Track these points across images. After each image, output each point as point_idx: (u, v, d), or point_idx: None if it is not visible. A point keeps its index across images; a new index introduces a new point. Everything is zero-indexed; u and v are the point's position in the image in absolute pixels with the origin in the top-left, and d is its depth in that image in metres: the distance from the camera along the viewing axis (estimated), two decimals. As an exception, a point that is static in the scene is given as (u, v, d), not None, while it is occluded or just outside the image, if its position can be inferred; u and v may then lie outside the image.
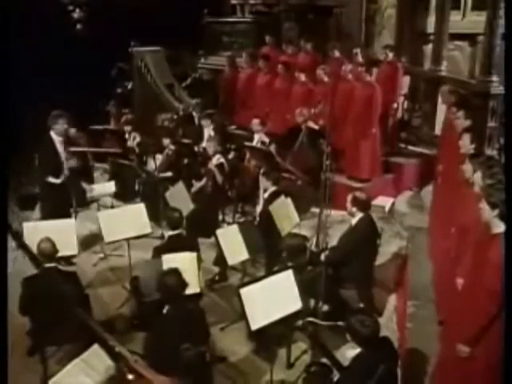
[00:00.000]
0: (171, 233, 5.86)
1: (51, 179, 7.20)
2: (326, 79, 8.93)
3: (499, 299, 3.82)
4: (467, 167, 5.18)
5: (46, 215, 7.68)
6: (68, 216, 7.42)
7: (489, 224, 4.01)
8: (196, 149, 9.18)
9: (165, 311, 4.62)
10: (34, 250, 5.26)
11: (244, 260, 6.17)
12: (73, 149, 8.56)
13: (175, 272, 4.65)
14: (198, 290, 5.31)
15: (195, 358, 4.27)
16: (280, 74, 9.77)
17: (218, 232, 6.10)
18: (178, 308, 4.57)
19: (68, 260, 6.81)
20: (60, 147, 7.28)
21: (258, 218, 7.24)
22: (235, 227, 6.19)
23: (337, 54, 9.82)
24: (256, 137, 8.74)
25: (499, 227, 3.92)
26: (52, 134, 7.21)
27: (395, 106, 9.34)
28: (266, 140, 8.65)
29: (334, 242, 6.29)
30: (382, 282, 6.55)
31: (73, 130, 9.38)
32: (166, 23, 12.43)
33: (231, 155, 8.85)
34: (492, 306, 3.85)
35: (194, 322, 4.59)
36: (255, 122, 8.74)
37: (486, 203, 4.00)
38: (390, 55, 9.43)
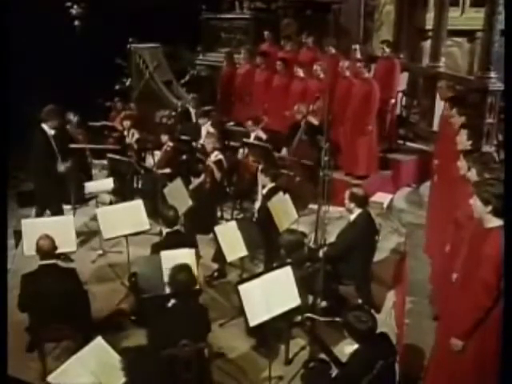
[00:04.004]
0: (169, 229, 5.87)
1: (51, 170, 7.26)
2: (321, 75, 8.93)
3: (493, 293, 3.83)
4: (461, 163, 5.19)
5: (41, 211, 7.73)
6: (62, 212, 7.45)
7: (481, 220, 4.02)
8: (194, 145, 9.19)
9: (170, 305, 4.64)
10: (33, 246, 5.27)
11: (242, 256, 6.17)
12: (72, 145, 8.60)
13: (186, 267, 4.69)
14: (196, 287, 5.31)
15: (193, 353, 4.29)
16: (278, 70, 9.76)
17: (217, 228, 6.10)
18: (184, 302, 4.59)
19: (67, 256, 6.81)
20: (52, 140, 7.31)
21: (256, 215, 7.24)
22: (234, 224, 6.19)
23: (332, 50, 9.80)
24: (252, 134, 8.75)
25: (493, 222, 3.92)
26: (44, 126, 7.24)
27: (393, 101, 9.32)
28: (263, 136, 8.65)
29: (332, 238, 6.28)
30: (381, 279, 6.57)
31: (71, 127, 9.41)
32: (165, 20, 12.44)
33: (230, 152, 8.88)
34: (486, 300, 3.86)
35: (198, 317, 4.61)
36: (249, 123, 8.77)
37: (479, 199, 3.99)
38: (387, 50, 9.42)
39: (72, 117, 9.68)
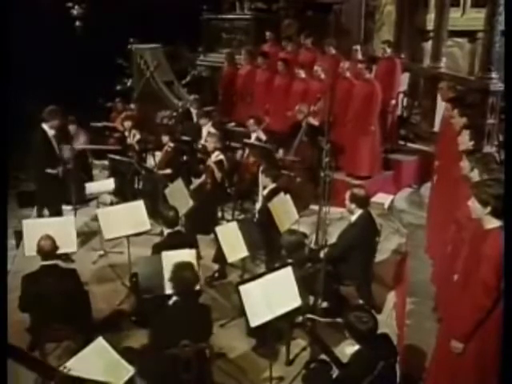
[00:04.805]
0: (170, 230, 5.87)
1: (49, 170, 7.24)
2: (322, 76, 8.94)
3: (493, 294, 3.83)
4: (464, 164, 5.17)
5: (40, 211, 7.74)
6: (61, 212, 7.46)
7: (480, 221, 4.01)
8: (195, 146, 9.18)
9: (171, 303, 4.63)
10: (34, 247, 5.27)
11: (243, 257, 6.17)
12: (73, 146, 8.62)
13: (190, 265, 4.70)
14: (197, 287, 5.31)
15: (194, 354, 4.28)
16: (280, 70, 9.76)
17: (218, 229, 6.09)
18: (185, 300, 4.59)
19: (67, 257, 6.81)
20: (53, 140, 7.31)
21: (257, 215, 7.24)
22: (234, 224, 6.18)
23: (332, 50, 9.80)
24: (253, 135, 8.75)
25: (492, 223, 3.92)
26: (45, 126, 7.25)
27: (394, 102, 9.33)
28: (263, 137, 8.65)
29: (333, 238, 6.29)
30: (382, 279, 6.57)
31: (72, 127, 9.42)
32: (166, 20, 12.44)
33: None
34: (486, 301, 3.86)
35: (200, 318, 4.61)
36: (250, 122, 8.75)
37: (477, 201, 3.97)
38: (389, 51, 9.42)
39: (73, 117, 9.69)
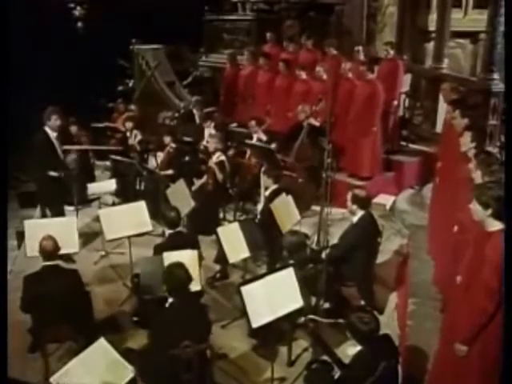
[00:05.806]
0: (172, 230, 5.87)
1: (51, 173, 7.25)
2: (324, 77, 8.93)
3: (495, 297, 3.81)
4: (472, 166, 5.14)
5: (44, 211, 7.75)
6: (63, 213, 7.46)
7: (482, 223, 4.00)
8: (197, 146, 9.18)
9: (167, 305, 4.63)
10: (36, 247, 5.27)
11: (245, 258, 6.17)
12: (74, 147, 8.63)
13: (181, 265, 4.70)
14: (198, 288, 5.31)
15: (195, 354, 4.28)
16: (281, 71, 9.76)
17: (219, 230, 6.09)
18: (181, 301, 4.58)
19: (69, 257, 6.81)
20: (56, 142, 7.32)
21: (259, 216, 7.23)
22: (236, 225, 6.19)
23: (333, 51, 9.79)
24: (254, 136, 8.74)
25: (494, 226, 3.90)
26: (47, 128, 7.26)
27: (396, 103, 9.32)
28: (264, 138, 8.64)
29: (334, 239, 6.28)
30: (383, 280, 6.57)
31: (74, 128, 9.43)
32: (167, 21, 12.45)
33: (232, 152, 8.87)
34: (488, 304, 3.84)
35: (197, 316, 4.61)
36: (252, 123, 8.75)
37: (478, 203, 3.96)
38: (391, 52, 9.41)
39: (74, 118, 9.70)
